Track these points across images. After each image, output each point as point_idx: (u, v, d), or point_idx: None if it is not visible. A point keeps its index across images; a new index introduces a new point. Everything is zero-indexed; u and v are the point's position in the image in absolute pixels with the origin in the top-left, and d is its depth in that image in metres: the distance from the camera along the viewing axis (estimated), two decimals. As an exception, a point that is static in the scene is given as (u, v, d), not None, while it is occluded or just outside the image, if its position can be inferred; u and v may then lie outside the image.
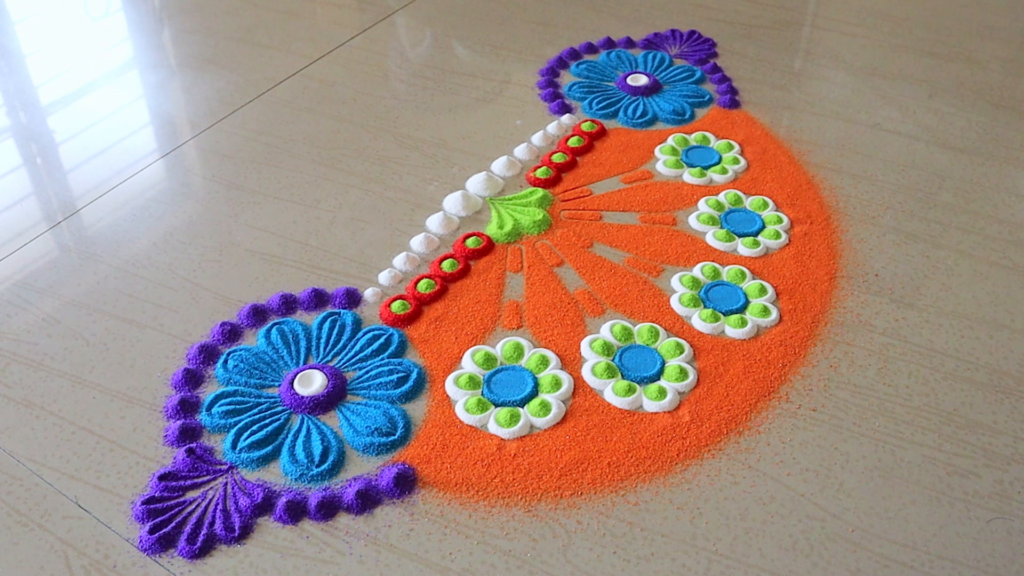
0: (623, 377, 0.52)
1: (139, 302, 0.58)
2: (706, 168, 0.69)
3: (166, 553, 0.43)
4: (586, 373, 0.52)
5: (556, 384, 0.52)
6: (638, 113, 0.75)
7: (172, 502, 0.45)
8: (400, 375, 0.52)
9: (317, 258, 0.61)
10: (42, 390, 0.52)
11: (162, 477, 0.46)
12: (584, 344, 0.54)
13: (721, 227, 0.63)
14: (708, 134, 0.73)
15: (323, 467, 0.47)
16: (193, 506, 0.45)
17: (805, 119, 0.76)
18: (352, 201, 0.66)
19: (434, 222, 0.64)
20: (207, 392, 0.51)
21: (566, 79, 0.81)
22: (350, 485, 0.46)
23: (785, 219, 0.64)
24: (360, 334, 0.55)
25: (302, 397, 0.50)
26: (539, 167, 0.69)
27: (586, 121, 0.75)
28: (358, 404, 0.51)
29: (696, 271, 0.59)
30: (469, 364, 0.53)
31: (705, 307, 0.57)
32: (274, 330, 0.55)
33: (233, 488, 0.46)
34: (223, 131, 0.75)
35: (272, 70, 0.83)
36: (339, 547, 0.44)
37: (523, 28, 0.90)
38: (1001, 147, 0.72)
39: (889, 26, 0.90)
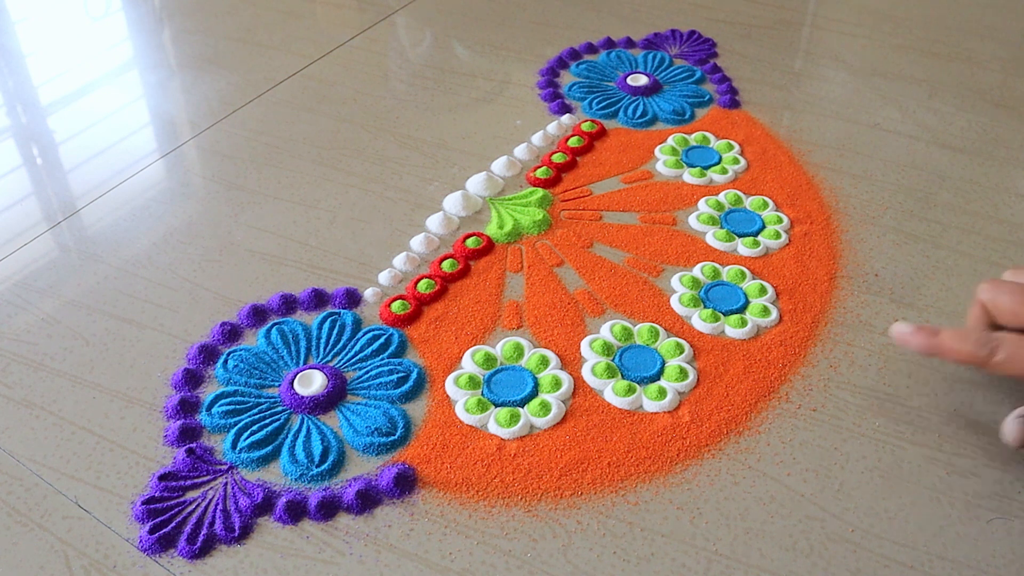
0: (623, 377, 0.52)
1: (139, 302, 0.58)
2: (706, 168, 0.69)
3: (166, 553, 0.43)
4: (586, 373, 0.52)
5: (556, 384, 0.52)
6: (638, 113, 0.75)
7: (172, 502, 0.45)
8: (400, 375, 0.52)
9: (317, 258, 0.61)
10: (42, 390, 0.52)
11: (162, 477, 0.46)
12: (584, 344, 0.54)
13: (721, 227, 0.63)
14: (708, 134, 0.73)
15: (323, 467, 0.47)
16: (193, 506, 0.45)
17: (805, 119, 0.76)
18: (352, 201, 0.66)
19: (434, 222, 0.64)
20: (207, 392, 0.51)
21: (566, 79, 0.81)
22: (350, 485, 0.46)
23: (785, 219, 0.64)
24: (360, 334, 0.55)
25: (302, 397, 0.50)
26: (539, 167, 0.69)
27: (586, 121, 0.75)
28: (358, 404, 0.51)
29: (696, 271, 0.59)
30: (469, 364, 0.53)
31: (705, 307, 0.57)
32: (274, 330, 0.55)
33: (233, 488, 0.46)
34: (223, 131, 0.75)
35: (272, 70, 0.83)
36: (339, 547, 0.44)
37: (523, 28, 0.90)
38: (1001, 147, 0.72)
39: (889, 26, 0.90)
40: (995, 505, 0.46)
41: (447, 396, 0.51)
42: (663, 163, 0.70)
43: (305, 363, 0.53)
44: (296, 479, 0.47)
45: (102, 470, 0.47)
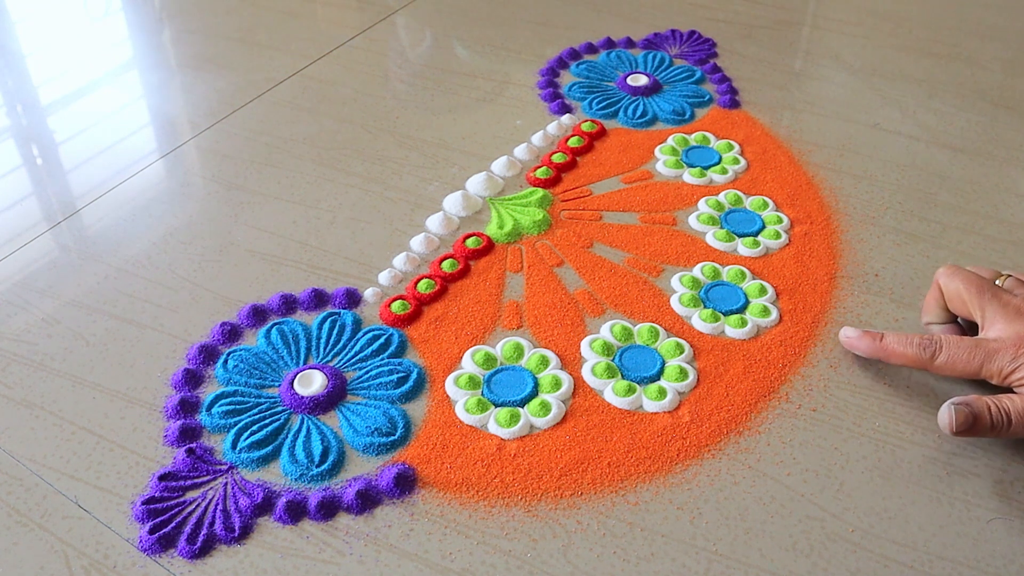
0: (623, 377, 0.52)
1: (139, 302, 0.58)
2: (706, 168, 0.69)
3: (166, 553, 0.43)
4: (586, 373, 0.52)
5: (556, 384, 0.52)
6: (638, 113, 0.75)
7: (172, 502, 0.45)
8: (400, 375, 0.52)
9: (317, 258, 0.61)
10: (42, 390, 0.52)
11: (162, 477, 0.46)
12: (584, 344, 0.54)
13: (721, 227, 0.63)
14: (708, 134, 0.73)
15: (323, 467, 0.47)
16: (193, 506, 0.45)
17: (805, 119, 0.76)
18: (352, 201, 0.66)
19: (434, 222, 0.64)
20: (207, 392, 0.51)
21: (566, 79, 0.81)
22: (350, 485, 0.46)
23: (785, 219, 0.64)
24: (360, 334, 0.55)
25: (302, 397, 0.50)
26: (539, 167, 0.69)
27: (586, 121, 0.75)
28: (358, 404, 0.51)
29: (696, 271, 0.59)
30: (469, 364, 0.53)
31: (705, 307, 0.57)
32: (274, 330, 0.55)
33: (233, 488, 0.46)
34: (223, 131, 0.75)
35: (272, 70, 0.83)
36: (339, 547, 0.44)
37: (523, 28, 0.90)
38: (1001, 147, 0.72)
39: (889, 26, 0.90)
40: (995, 505, 0.46)
41: (447, 396, 0.51)
42: (663, 163, 0.70)
43: (305, 363, 0.53)
44: (296, 479, 0.47)
45: (102, 470, 0.47)
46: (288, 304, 0.57)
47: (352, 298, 0.57)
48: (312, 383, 0.51)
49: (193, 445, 0.48)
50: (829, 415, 0.50)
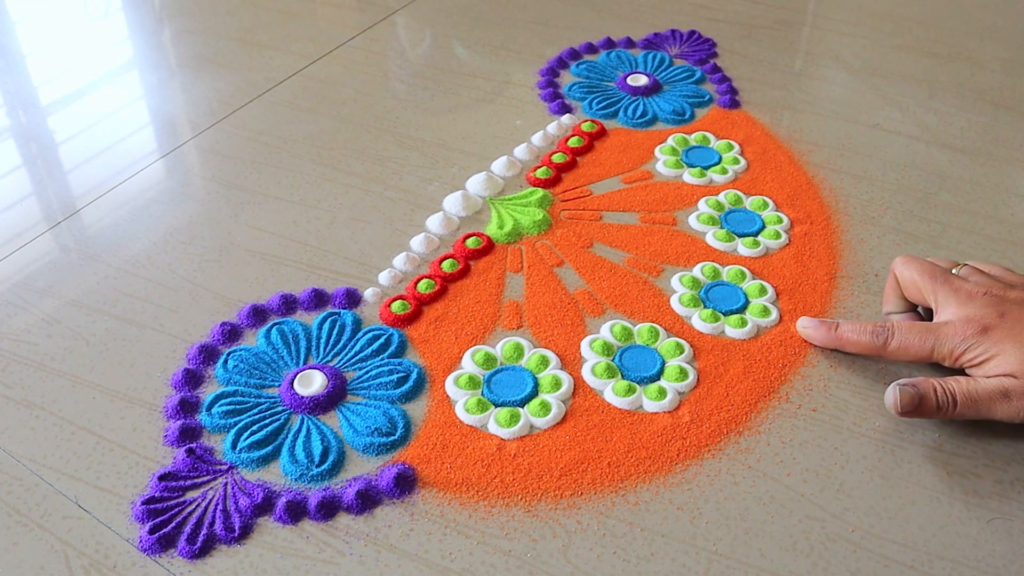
0: (623, 377, 0.52)
1: (139, 302, 0.58)
2: (706, 168, 0.69)
3: (166, 553, 0.43)
4: (586, 373, 0.52)
5: (556, 384, 0.52)
6: (638, 113, 0.75)
7: (172, 502, 0.45)
8: (400, 375, 0.52)
9: (317, 258, 0.61)
10: (42, 390, 0.52)
11: (162, 477, 0.46)
12: (584, 344, 0.54)
13: (721, 227, 0.63)
14: (708, 134, 0.73)
15: (323, 467, 0.47)
16: (193, 506, 0.45)
17: (805, 119, 0.76)
18: (352, 201, 0.66)
19: (434, 222, 0.64)
20: (207, 392, 0.51)
21: (566, 79, 0.81)
22: (350, 485, 0.46)
23: (785, 219, 0.64)
24: (360, 334, 0.55)
25: (302, 397, 0.50)
26: (539, 167, 0.69)
27: (586, 121, 0.75)
28: (358, 404, 0.51)
29: (696, 271, 0.59)
30: (469, 364, 0.53)
31: (705, 307, 0.57)
32: (274, 330, 0.55)
33: (233, 488, 0.46)
34: (223, 131, 0.75)
35: (272, 70, 0.83)
36: (339, 547, 0.44)
37: (523, 28, 0.90)
38: (1001, 147, 0.72)
39: (889, 26, 0.90)
40: (995, 505, 0.46)
41: (447, 396, 0.51)
42: (663, 163, 0.70)
43: (305, 363, 0.53)
44: (296, 479, 0.47)
45: (102, 470, 0.47)
46: (288, 304, 0.57)
47: (352, 298, 0.57)
48: (312, 383, 0.51)
49: (193, 445, 0.48)
50: (829, 415, 0.50)
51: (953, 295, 0.49)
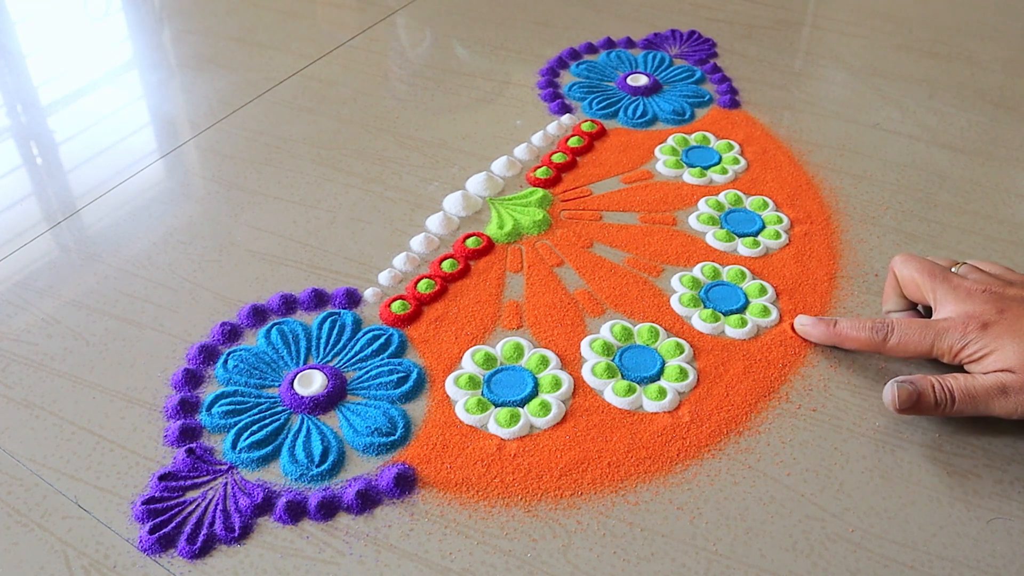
0: (623, 377, 0.52)
1: (139, 302, 0.58)
2: (706, 168, 0.69)
3: (166, 553, 0.43)
4: (586, 373, 0.52)
5: (556, 384, 0.52)
6: (638, 113, 0.75)
7: (172, 502, 0.45)
8: (400, 375, 0.52)
9: (317, 258, 0.61)
10: (42, 390, 0.52)
11: (162, 477, 0.46)
12: (584, 344, 0.54)
13: (721, 227, 0.63)
14: (708, 134, 0.73)
15: (323, 467, 0.47)
16: (193, 506, 0.45)
17: (805, 119, 0.76)
18: (352, 201, 0.66)
19: (434, 222, 0.64)
20: (207, 392, 0.51)
21: (566, 79, 0.81)
22: (350, 485, 0.46)
23: (785, 219, 0.64)
24: (360, 334, 0.55)
25: (302, 397, 0.50)
26: (539, 167, 0.69)
27: (586, 121, 0.75)
28: (358, 404, 0.51)
29: (696, 271, 0.59)
30: (469, 364, 0.53)
31: (705, 307, 0.57)
32: (274, 330, 0.55)
33: (233, 488, 0.46)
34: (223, 131, 0.75)
35: (272, 70, 0.83)
36: (339, 547, 0.44)
37: (523, 28, 0.90)
38: (1001, 147, 0.72)
39: (889, 26, 0.90)
40: (995, 505, 0.46)
41: (447, 396, 0.51)
42: (663, 163, 0.70)
43: (305, 363, 0.53)
44: (296, 479, 0.47)
45: (102, 470, 0.47)
46: (288, 304, 0.57)
47: (352, 298, 0.57)
48: (312, 383, 0.51)
49: (193, 445, 0.48)
50: (829, 415, 0.50)
51: (952, 292, 0.50)
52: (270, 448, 0.48)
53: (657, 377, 0.52)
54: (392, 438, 0.48)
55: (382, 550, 0.44)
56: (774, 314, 0.56)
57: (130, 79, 0.84)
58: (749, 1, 0.95)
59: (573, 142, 0.72)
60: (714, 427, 0.50)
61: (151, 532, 0.44)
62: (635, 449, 0.48)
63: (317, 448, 0.48)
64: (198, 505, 0.45)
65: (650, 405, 0.51)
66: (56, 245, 0.63)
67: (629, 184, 0.68)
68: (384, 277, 0.59)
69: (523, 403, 0.51)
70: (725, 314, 0.56)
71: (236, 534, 0.44)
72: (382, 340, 0.54)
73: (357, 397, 0.51)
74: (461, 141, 0.73)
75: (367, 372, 0.52)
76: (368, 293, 0.58)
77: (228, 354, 0.53)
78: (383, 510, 0.45)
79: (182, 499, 0.46)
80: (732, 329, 0.55)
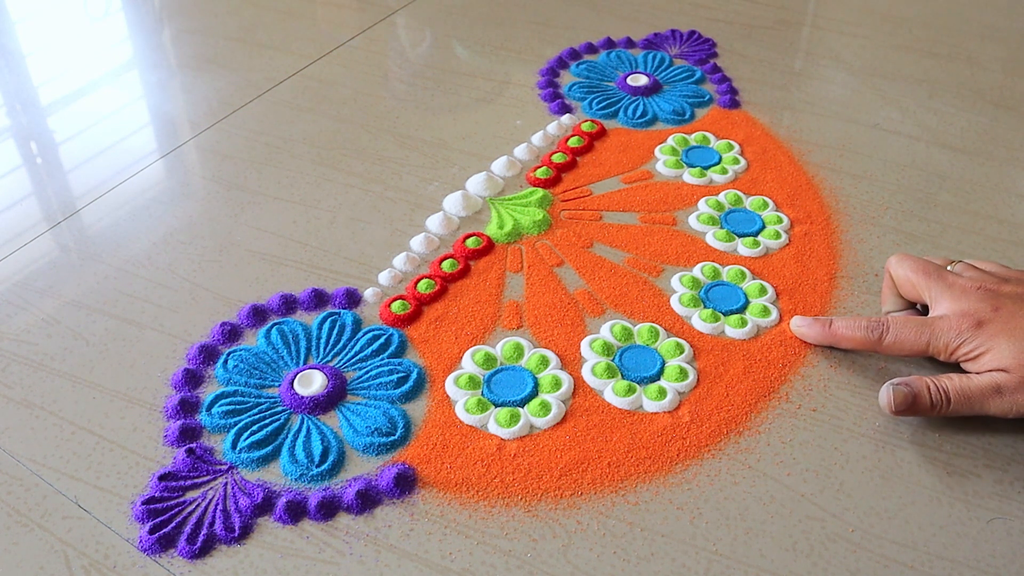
0: (623, 377, 0.52)
1: (139, 302, 0.58)
2: (706, 168, 0.69)
3: (166, 553, 0.43)
4: (586, 373, 0.52)
5: (556, 384, 0.52)
6: (638, 113, 0.75)
7: (172, 502, 0.45)
8: (400, 375, 0.52)
9: (317, 258, 0.61)
10: (42, 390, 0.52)
11: (162, 477, 0.46)
12: (584, 344, 0.54)
13: (721, 227, 0.63)
14: (708, 134, 0.73)
15: (323, 467, 0.47)
16: (193, 506, 0.45)
17: (805, 119, 0.76)
18: (352, 201, 0.66)
19: (434, 222, 0.64)
20: (207, 392, 0.51)
21: (566, 79, 0.81)
22: (350, 485, 0.46)
23: (785, 219, 0.64)
24: (360, 334, 0.55)
25: (302, 397, 0.50)
26: (539, 167, 0.69)
27: (586, 121, 0.75)
28: (358, 404, 0.51)
29: (696, 271, 0.59)
30: (469, 364, 0.53)
31: (705, 307, 0.57)
32: (274, 330, 0.55)
33: (233, 488, 0.46)
34: (223, 131, 0.75)
35: (272, 70, 0.83)
36: (339, 547, 0.44)
37: (523, 28, 0.90)
38: (1001, 147, 0.72)
39: (889, 26, 0.90)
40: (995, 505, 0.46)
41: (447, 396, 0.51)
42: (663, 163, 0.70)
43: (305, 363, 0.53)
44: (296, 479, 0.47)
45: (102, 470, 0.47)
46: (288, 304, 0.57)
47: (352, 298, 0.57)
48: (312, 383, 0.51)
49: (193, 445, 0.48)
50: (829, 415, 0.50)
51: (947, 290, 0.50)
52: (270, 448, 0.48)
53: (657, 377, 0.52)
54: (392, 438, 0.49)
55: (382, 550, 0.44)
56: (774, 314, 0.56)
57: (130, 79, 0.84)
58: (749, 1, 0.95)
59: (573, 142, 0.72)
60: (714, 427, 0.50)
61: (151, 532, 0.44)
62: (635, 449, 0.48)
63: (317, 448, 0.48)
64: (198, 505, 0.45)
65: (650, 405, 0.51)
66: (56, 245, 0.63)
67: (629, 184, 0.68)
68: (384, 277, 0.59)
69: (523, 403, 0.51)
70: (725, 314, 0.56)
71: (236, 534, 0.44)
72: (382, 340, 0.54)
73: (357, 397, 0.51)
74: (461, 141, 0.73)
75: (367, 372, 0.52)
76: (368, 293, 0.58)
77: (228, 354, 0.53)
78: (383, 510, 0.45)
79: (182, 499, 0.46)
80: (732, 329, 0.55)
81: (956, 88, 0.80)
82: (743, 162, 0.70)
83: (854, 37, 0.88)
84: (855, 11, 0.93)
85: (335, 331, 0.55)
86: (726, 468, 0.47)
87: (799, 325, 0.54)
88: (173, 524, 0.44)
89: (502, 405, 0.50)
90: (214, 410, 0.50)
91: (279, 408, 0.50)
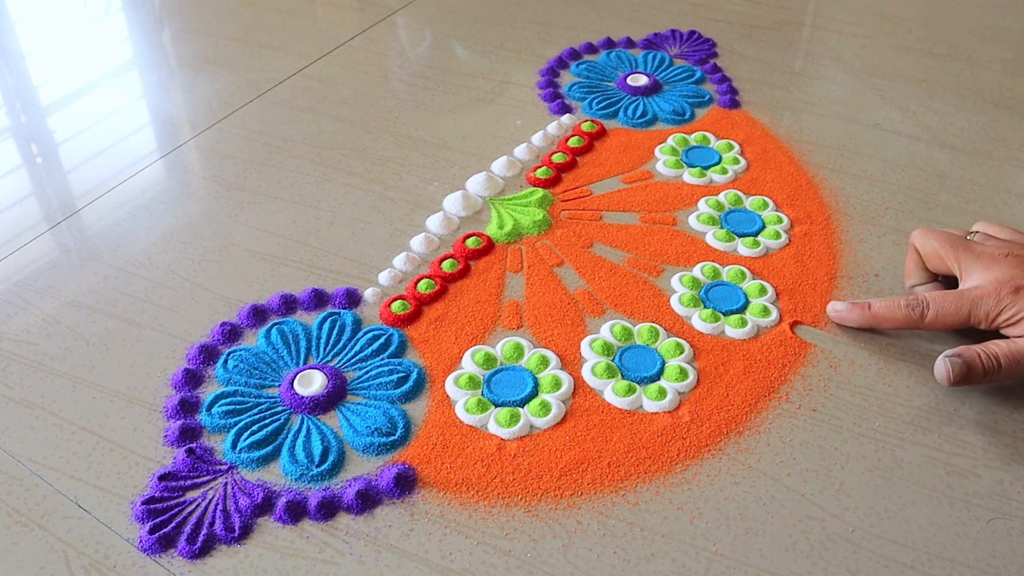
0: (623, 377, 0.52)
1: (139, 302, 0.58)
2: (706, 168, 0.69)
3: (166, 553, 0.43)
4: (586, 373, 0.52)
5: (556, 384, 0.52)
6: (638, 113, 0.75)
7: (172, 502, 0.45)
8: (400, 375, 0.52)
9: (317, 258, 0.61)
10: (42, 390, 0.52)
11: (162, 477, 0.46)
12: (584, 344, 0.54)
13: (721, 227, 0.63)
14: (708, 134, 0.73)
15: (323, 467, 0.47)
16: (193, 506, 0.45)
17: (805, 119, 0.76)
18: (352, 201, 0.66)
19: (434, 222, 0.64)
20: (207, 392, 0.51)
21: (566, 79, 0.81)
22: (350, 485, 0.46)
23: (785, 219, 0.64)
24: (360, 334, 0.55)
25: (302, 397, 0.50)
26: (539, 167, 0.69)
27: (586, 121, 0.75)
28: (358, 404, 0.51)
29: (696, 271, 0.59)
30: (469, 364, 0.53)
31: (705, 307, 0.57)
32: (274, 330, 0.55)
33: (233, 488, 0.46)
34: (223, 131, 0.75)
35: (272, 70, 0.83)
36: (339, 547, 0.44)
37: (523, 28, 0.90)
38: (1001, 147, 0.72)
39: (889, 26, 0.90)
40: (995, 505, 0.46)
41: (447, 396, 0.51)
42: (663, 163, 0.70)
43: (305, 363, 0.53)
44: (296, 479, 0.47)
45: (102, 470, 0.47)
46: (288, 304, 0.57)
47: (352, 298, 0.57)
48: (312, 383, 0.51)
49: (193, 445, 0.48)
50: (829, 415, 0.50)
51: (976, 260, 0.51)
52: (270, 448, 0.48)
53: (657, 377, 0.52)
54: (392, 438, 0.49)
55: (382, 550, 0.44)
56: (774, 314, 0.56)
57: (130, 79, 0.84)
58: (749, 1, 0.95)
59: (573, 142, 0.72)
60: (714, 427, 0.50)
61: (151, 532, 0.44)
62: (635, 449, 0.48)
63: (317, 448, 0.48)
64: (198, 505, 0.45)
65: (650, 405, 0.51)
66: (56, 245, 0.63)
67: (629, 184, 0.68)
68: (384, 277, 0.59)
69: (523, 403, 0.51)
70: (725, 314, 0.56)
71: (236, 534, 0.44)
72: (382, 340, 0.54)
73: (357, 397, 0.51)
74: (461, 141, 0.73)
75: (367, 372, 0.52)
76: (368, 293, 0.58)
77: (228, 354, 0.53)
78: (383, 510, 0.45)
79: (182, 499, 0.46)
80: (732, 329, 0.55)
81: (956, 88, 0.80)
82: (743, 162, 0.70)
83: (854, 37, 0.88)
84: (855, 11, 0.93)
85: (335, 331, 0.55)
86: (726, 468, 0.47)
87: (837, 310, 0.55)
88: (173, 524, 0.44)
89: (502, 405, 0.50)
90: (214, 410, 0.50)
91: (279, 408, 0.50)
